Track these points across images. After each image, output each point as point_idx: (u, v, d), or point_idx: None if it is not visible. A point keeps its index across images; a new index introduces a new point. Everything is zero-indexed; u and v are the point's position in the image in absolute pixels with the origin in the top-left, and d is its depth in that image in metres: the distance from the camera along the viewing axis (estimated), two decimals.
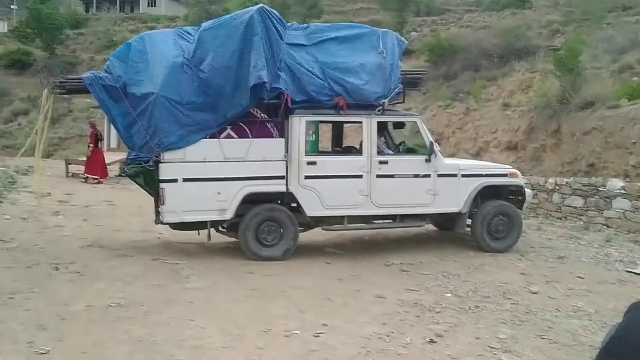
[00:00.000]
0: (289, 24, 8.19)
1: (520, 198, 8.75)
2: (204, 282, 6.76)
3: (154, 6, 52.33)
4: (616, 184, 10.13)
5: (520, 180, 8.82)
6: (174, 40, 7.87)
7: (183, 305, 5.93)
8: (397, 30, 32.35)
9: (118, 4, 54.20)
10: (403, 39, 8.83)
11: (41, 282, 6.55)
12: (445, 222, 8.94)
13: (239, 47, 7.41)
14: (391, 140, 8.84)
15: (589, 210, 10.32)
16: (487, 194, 8.49)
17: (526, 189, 8.89)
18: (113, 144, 20.03)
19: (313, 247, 8.71)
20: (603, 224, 10.13)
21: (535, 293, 6.58)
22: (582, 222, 10.28)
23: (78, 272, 6.98)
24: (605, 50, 18.16)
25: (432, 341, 5.12)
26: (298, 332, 5.25)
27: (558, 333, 5.37)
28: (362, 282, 6.89)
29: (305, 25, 8.66)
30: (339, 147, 9.40)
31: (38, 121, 8.61)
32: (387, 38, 8.24)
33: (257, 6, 7.61)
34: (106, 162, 16.81)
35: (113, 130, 15.98)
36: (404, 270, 7.47)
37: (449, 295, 6.47)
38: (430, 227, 9.53)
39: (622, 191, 9.93)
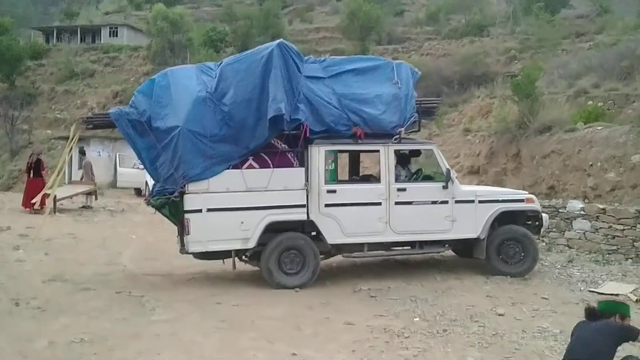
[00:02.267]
0: (306, 58, 8.46)
1: (537, 223, 8.77)
2: (171, 315, 6.66)
3: (116, 36, 52.04)
4: (576, 205, 10.38)
5: (536, 205, 8.83)
6: (196, 76, 8.10)
7: (149, 339, 5.82)
8: None
9: (79, 35, 53.75)
10: (417, 69, 8.95)
11: (2, 318, 6.36)
12: (465, 249, 8.85)
13: (260, 81, 7.65)
14: (408, 167, 8.95)
15: (550, 231, 10.53)
16: (504, 219, 8.50)
17: (543, 214, 8.90)
18: (76, 177, 19.71)
19: None
20: (565, 245, 10.35)
21: (502, 315, 6.66)
22: (544, 243, 10.49)
23: (40, 308, 6.80)
24: (561, 75, 18.80)
25: None
26: None
27: (525, 355, 5.45)
28: (332, 310, 6.89)
29: (322, 58, 8.79)
30: (356, 175, 9.56)
31: (63, 153, 9.35)
32: (401, 69, 8.47)
33: (277, 41, 7.89)
34: (52, 192, 16.14)
35: (76, 163, 15.81)
36: (372, 296, 7.49)
37: (418, 319, 6.51)
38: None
39: (582, 212, 10.17)
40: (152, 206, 8.13)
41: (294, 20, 50.66)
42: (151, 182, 21.16)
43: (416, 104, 8.54)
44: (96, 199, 16.90)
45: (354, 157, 9.70)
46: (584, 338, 4.10)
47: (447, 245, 8.72)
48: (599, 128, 12.26)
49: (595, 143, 11.80)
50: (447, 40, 36.64)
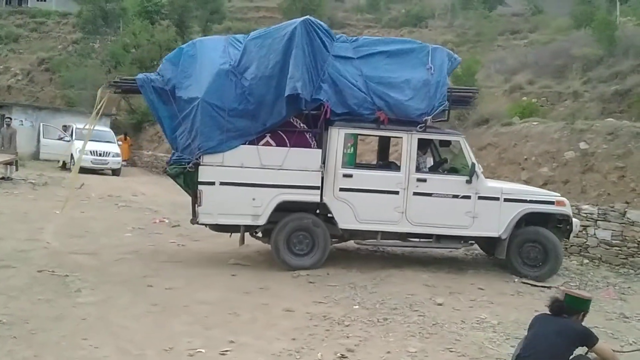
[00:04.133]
0: (337, 36, 8.20)
1: (568, 227, 8.32)
2: (98, 297, 6.28)
3: (44, 0, 49.19)
4: None
5: (567, 209, 8.31)
6: (223, 47, 7.99)
7: (74, 322, 5.45)
8: None
9: None
10: (456, 56, 8.58)
11: None
12: (490, 247, 8.57)
13: (282, 58, 7.52)
14: (439, 157, 8.77)
15: None
16: (533, 220, 8.18)
17: (574, 219, 8.43)
18: None
19: (217, 259, 8.37)
20: None
21: (441, 304, 6.64)
22: None
23: None
24: (498, 70, 19.18)
25: (343, 356, 5.01)
26: (203, 351, 4.97)
27: (465, 345, 5.42)
28: (270, 295, 6.68)
29: (355, 38, 8.43)
30: (384, 160, 9.25)
31: (91, 117, 9.02)
32: (436, 54, 8.12)
33: (303, 18, 7.69)
34: None
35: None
36: (311, 282, 7.33)
37: (357, 307, 6.40)
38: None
39: None
40: (168, 174, 8.17)
41: None
42: (76, 155, 20.23)
43: (448, 92, 8.13)
44: (17, 169, 15.90)
45: (384, 141, 9.38)
46: (544, 336, 4.03)
47: (465, 242, 8.43)
48: (535, 123, 12.54)
49: (530, 138, 12.05)
50: (386, 29, 36.75)
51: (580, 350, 4.10)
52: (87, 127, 9.22)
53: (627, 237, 8.89)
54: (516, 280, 7.97)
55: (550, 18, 31.09)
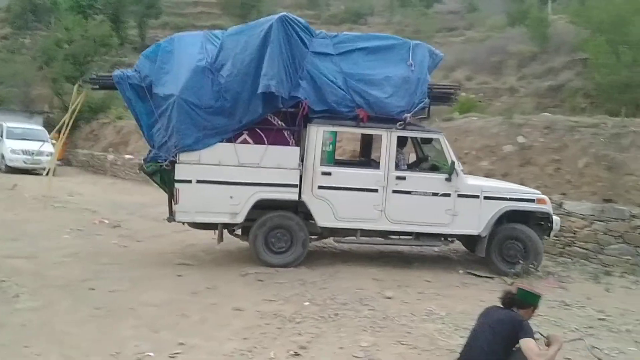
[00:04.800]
0: (317, 32, 8.06)
1: (549, 225, 8.31)
2: (38, 302, 5.99)
3: None
4: None
5: (548, 207, 8.30)
6: (201, 43, 7.86)
7: (13, 329, 5.18)
8: None
9: None
10: (438, 52, 8.48)
11: None
12: (472, 244, 8.60)
13: (257, 55, 7.43)
14: (422, 154, 8.68)
15: None
16: (514, 218, 8.19)
17: (555, 217, 8.40)
18: None
19: (162, 260, 8.16)
20: None
21: (390, 298, 6.69)
22: None
23: None
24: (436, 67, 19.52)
25: (296, 354, 4.95)
26: (152, 354, 4.81)
27: (416, 338, 5.47)
28: (219, 295, 6.55)
29: (335, 34, 8.25)
30: (367, 157, 9.08)
31: (67, 114, 8.89)
32: (418, 50, 8.01)
33: (280, 14, 7.59)
34: None
35: None
36: (259, 280, 7.23)
37: (308, 304, 6.35)
38: None
39: None
40: (144, 172, 8.09)
41: None
42: (8, 155, 19.52)
43: (429, 89, 8.08)
44: None
45: (367, 137, 9.19)
46: (487, 326, 4.09)
47: (445, 240, 8.43)
48: (474, 118, 12.85)
49: (470, 132, 12.33)
50: (326, 25, 36.76)
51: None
52: (64, 120, 8.97)
53: (564, 227, 9.20)
54: (461, 271, 8.14)
55: (485, 16, 32.04)
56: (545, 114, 12.45)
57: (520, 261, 7.96)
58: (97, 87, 8.80)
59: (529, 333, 3.99)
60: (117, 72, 8.02)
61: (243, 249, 8.62)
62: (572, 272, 8.57)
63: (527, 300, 4.24)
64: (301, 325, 5.65)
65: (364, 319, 5.92)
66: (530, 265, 7.93)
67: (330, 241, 8.83)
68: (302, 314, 5.98)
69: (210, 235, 8.82)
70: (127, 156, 19.57)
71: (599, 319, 6.32)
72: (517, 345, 4.01)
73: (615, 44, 14.04)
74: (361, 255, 8.71)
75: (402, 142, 8.21)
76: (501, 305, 4.30)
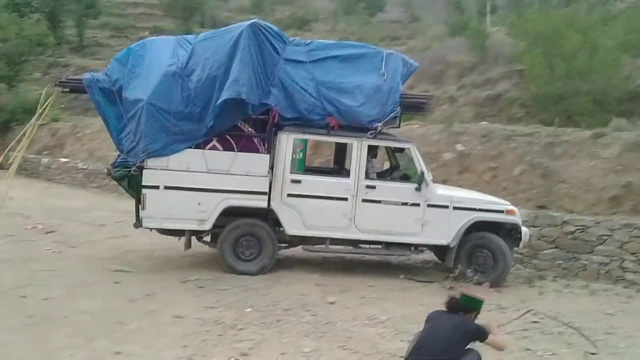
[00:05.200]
0: (291, 40, 8.10)
1: (519, 236, 8.25)
2: None
3: None
4: None
5: (517, 218, 8.26)
6: (173, 48, 7.87)
7: None
8: None
9: None
10: (413, 61, 8.45)
11: None
12: (442, 254, 8.50)
13: (227, 60, 7.42)
14: (396, 163, 8.58)
15: None
16: (484, 228, 8.16)
17: (524, 228, 8.35)
18: None
19: (98, 266, 7.91)
20: None
21: (333, 303, 6.72)
22: None
23: None
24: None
25: None
26: None
27: (358, 342, 5.50)
28: (158, 302, 6.41)
29: (309, 41, 8.21)
30: (341, 166, 8.90)
31: (34, 117, 8.77)
32: (390, 59, 7.98)
33: (251, 21, 7.59)
34: None
35: None
36: (201, 287, 7.13)
37: (250, 310, 6.31)
38: None
39: None
40: (112, 177, 7.98)
41: None
42: None
43: (401, 98, 8.01)
44: None
45: (341, 146, 8.98)
46: (440, 330, 4.16)
47: (416, 249, 8.40)
48: (416, 126, 13.06)
49: (413, 140, 12.50)
50: None
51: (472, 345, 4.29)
52: (29, 128, 8.79)
53: None
54: (402, 276, 8.24)
55: (427, 26, 32.68)
56: (483, 122, 12.82)
57: (459, 265, 8.07)
58: (68, 90, 8.54)
59: (487, 332, 4.23)
60: (87, 75, 8.00)
61: (183, 255, 8.47)
62: (507, 276, 8.79)
63: (470, 306, 4.36)
64: (243, 332, 5.61)
65: (307, 325, 5.92)
66: (468, 270, 8.07)
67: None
68: (244, 320, 5.93)
69: (149, 240, 8.64)
70: (63, 159, 18.91)
71: (533, 322, 6.50)
72: (469, 345, 4.19)
73: (550, 56, 14.56)
74: (305, 261, 8.70)
75: (373, 151, 8.23)
76: (446, 309, 4.39)
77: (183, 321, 5.83)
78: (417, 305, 6.74)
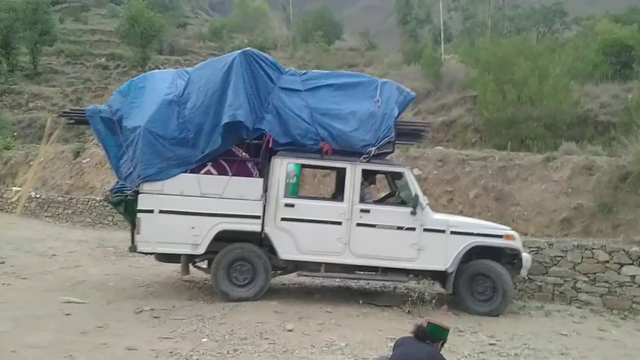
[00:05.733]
0: (287, 70, 8.26)
1: (519, 263, 8.08)
2: None
3: None
4: None
5: (517, 243, 8.12)
6: (172, 79, 8.12)
7: None
8: (140, 66, 31.70)
9: None
10: (408, 90, 8.41)
11: None
12: (442, 281, 8.29)
13: (220, 87, 7.59)
14: (395, 188, 8.46)
15: None
16: (485, 255, 8.02)
17: (524, 254, 8.21)
18: None
19: (48, 298, 7.65)
20: None
21: (291, 330, 6.62)
22: None
23: None
24: None
25: None
26: None
27: None
28: (110, 334, 6.20)
29: (304, 71, 8.38)
30: (342, 192, 8.55)
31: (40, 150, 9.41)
32: (385, 87, 8.05)
33: (243, 49, 7.81)
34: None
35: None
36: (156, 317, 6.94)
37: (206, 340, 6.16)
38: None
39: None
40: (109, 202, 8.25)
41: (66, 19, 46.78)
42: None
43: (398, 125, 8.11)
44: None
45: (341, 172, 8.67)
46: (416, 357, 4.14)
47: (416, 276, 8.31)
48: None
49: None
50: None
51: None
52: (37, 161, 9.51)
53: None
54: (361, 301, 8.21)
55: (384, 54, 33.34)
56: (439, 147, 13.06)
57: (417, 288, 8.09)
58: (73, 121, 8.88)
59: None
60: (89, 106, 8.34)
61: (138, 285, 8.29)
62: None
63: (437, 334, 4.34)
64: None
65: (264, 354, 5.82)
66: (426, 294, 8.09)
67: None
68: (199, 351, 5.78)
69: (103, 271, 8.42)
70: (15, 188, 18.38)
71: (490, 344, 6.56)
72: None
73: (502, 82, 15.02)
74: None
75: (369, 176, 8.27)
76: (414, 337, 4.37)
77: (136, 353, 5.66)
78: (375, 330, 6.72)
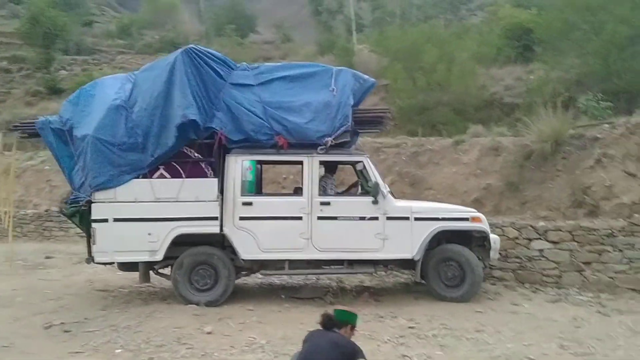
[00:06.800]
0: (238, 65, 8.05)
1: (488, 245, 8.01)
2: None
3: None
4: None
5: (483, 225, 7.98)
6: (121, 84, 7.93)
7: None
8: (44, 67, 30.21)
9: None
10: (367, 77, 8.19)
11: None
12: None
13: (165, 88, 7.43)
14: (365, 181, 7.97)
15: None
16: (454, 240, 7.92)
17: (493, 235, 8.12)
18: None
19: None
20: None
21: (210, 333, 6.49)
22: None
23: None
24: None
25: None
26: None
27: None
28: (17, 353, 5.85)
29: (257, 65, 8.19)
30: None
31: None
32: (340, 76, 7.84)
33: (185, 47, 7.62)
34: None
35: None
36: (67, 331, 6.62)
37: (120, 350, 5.93)
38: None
39: None
40: (64, 215, 8.10)
41: None
42: None
43: (357, 113, 7.84)
44: None
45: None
46: (319, 349, 4.09)
47: (385, 266, 8.20)
48: None
49: None
50: (141, 55, 35.74)
51: None
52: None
53: None
54: (283, 296, 8.18)
55: (299, 46, 33.30)
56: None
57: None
58: (26, 135, 8.55)
59: (363, 355, 4.17)
60: (40, 119, 8.09)
61: (47, 298, 7.88)
62: (386, 285, 9.03)
63: (344, 320, 4.36)
64: None
65: (182, 359, 5.66)
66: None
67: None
68: None
69: (9, 286, 7.96)
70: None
71: (409, 327, 6.68)
72: None
73: (411, 70, 15.34)
74: None
75: (331, 168, 8.21)
76: (322, 328, 4.35)
77: None
78: (297, 324, 6.68)
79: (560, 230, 8.70)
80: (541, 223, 9.07)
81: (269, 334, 6.43)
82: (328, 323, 4.36)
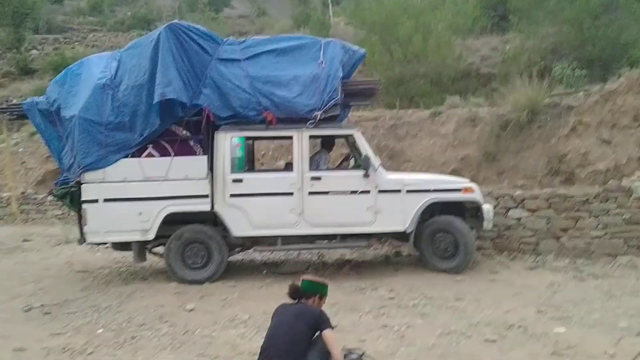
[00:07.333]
0: (225, 40, 7.92)
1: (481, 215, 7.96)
2: None
3: None
4: None
5: (476, 195, 7.96)
6: (106, 62, 7.81)
7: None
8: (15, 47, 29.52)
9: None
10: (356, 48, 8.12)
11: None
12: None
13: (150, 65, 7.31)
14: (358, 154, 7.85)
15: None
16: (447, 211, 7.89)
17: (486, 205, 8.06)
18: None
19: None
20: None
21: (192, 310, 6.50)
22: None
23: None
24: None
25: None
26: None
27: (218, 347, 5.36)
28: None
29: (243, 39, 8.03)
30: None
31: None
32: (329, 48, 7.72)
33: (168, 23, 7.47)
34: None
35: None
36: (47, 313, 6.58)
37: (102, 330, 5.91)
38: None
39: None
40: (54, 196, 8.06)
41: None
42: None
43: (347, 86, 7.72)
44: None
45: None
46: (284, 323, 4.08)
47: (379, 240, 8.23)
48: None
49: None
50: (113, 32, 35.05)
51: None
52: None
53: None
54: (265, 272, 8.20)
55: (274, 19, 32.90)
56: None
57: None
58: (15, 117, 8.42)
59: (329, 323, 4.10)
60: (27, 100, 8.08)
61: (25, 281, 7.80)
62: (366, 258, 9.10)
63: (311, 289, 4.33)
64: (93, 356, 5.24)
65: (164, 337, 5.66)
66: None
67: (126, 259, 8.39)
68: (94, 343, 5.54)
69: None
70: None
71: (390, 298, 6.76)
72: (316, 335, 4.08)
73: (388, 42, 15.24)
74: (163, 270, 8.35)
75: (328, 143, 8.20)
76: (290, 300, 4.35)
77: (25, 354, 5.32)
78: (278, 299, 6.46)
79: (537, 199, 8.79)
80: (518, 192, 9.16)
81: (251, 309, 6.44)
82: (295, 294, 4.34)
